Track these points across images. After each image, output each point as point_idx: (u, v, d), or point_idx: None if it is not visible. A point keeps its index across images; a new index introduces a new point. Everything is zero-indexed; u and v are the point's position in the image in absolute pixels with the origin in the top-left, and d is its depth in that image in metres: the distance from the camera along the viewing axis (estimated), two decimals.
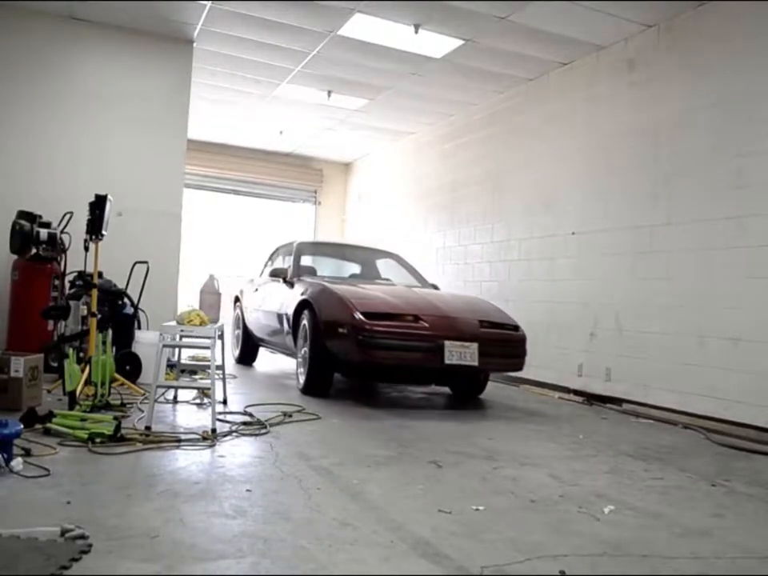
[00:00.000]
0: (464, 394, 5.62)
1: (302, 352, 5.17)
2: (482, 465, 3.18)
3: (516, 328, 5.14)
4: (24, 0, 5.71)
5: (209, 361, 3.87)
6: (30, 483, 2.44)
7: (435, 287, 6.31)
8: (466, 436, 3.89)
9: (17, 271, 5.37)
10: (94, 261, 4.52)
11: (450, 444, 3.63)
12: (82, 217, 4.54)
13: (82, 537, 1.89)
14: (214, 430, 3.44)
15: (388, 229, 9.64)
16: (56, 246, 5.30)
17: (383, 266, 6.76)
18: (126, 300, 5.42)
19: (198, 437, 3.37)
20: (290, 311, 5.40)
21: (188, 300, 5.62)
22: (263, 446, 3.32)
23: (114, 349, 4.62)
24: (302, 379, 5.15)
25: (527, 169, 6.82)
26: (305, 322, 5.11)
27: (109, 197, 4.48)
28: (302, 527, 2.15)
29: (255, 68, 6.95)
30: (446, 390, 5.83)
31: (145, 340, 5.13)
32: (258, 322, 6.51)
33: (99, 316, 4.60)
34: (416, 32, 5.71)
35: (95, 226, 4.38)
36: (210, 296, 4.54)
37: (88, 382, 4.16)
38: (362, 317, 4.57)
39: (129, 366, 4.90)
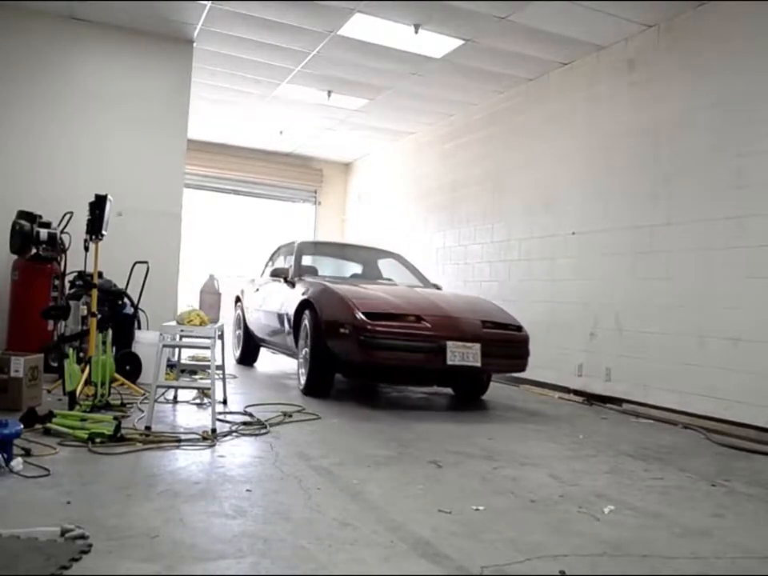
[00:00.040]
0: (466, 395, 5.60)
1: (303, 352, 5.14)
2: (482, 465, 3.18)
3: (519, 328, 5.11)
4: (24, 0, 5.71)
5: (209, 361, 3.87)
6: (30, 483, 2.44)
7: (437, 287, 6.29)
8: (465, 436, 3.89)
9: (17, 271, 5.37)
10: (94, 261, 4.52)
11: (450, 444, 3.63)
12: (82, 217, 4.54)
13: (82, 537, 1.89)
14: (213, 430, 3.44)
15: (388, 229, 9.64)
16: (56, 246, 5.30)
17: (385, 266, 6.74)
18: (125, 300, 5.42)
19: (197, 437, 3.37)
20: (291, 311, 5.38)
21: (188, 300, 5.62)
22: (263, 445, 3.32)
23: (114, 349, 4.62)
24: (302, 380, 5.13)
25: (527, 169, 6.82)
26: (306, 322, 5.09)
27: (109, 197, 4.48)
28: (302, 527, 2.15)
29: (255, 68, 6.95)
30: (448, 390, 5.81)
31: (145, 340, 5.13)
32: (258, 322, 6.49)
33: (99, 316, 4.60)
34: (416, 32, 5.71)
35: (95, 226, 4.38)
36: (210, 296, 4.54)
37: (88, 382, 4.16)
38: (363, 317, 4.54)
39: (129, 366, 4.90)
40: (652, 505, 2.67)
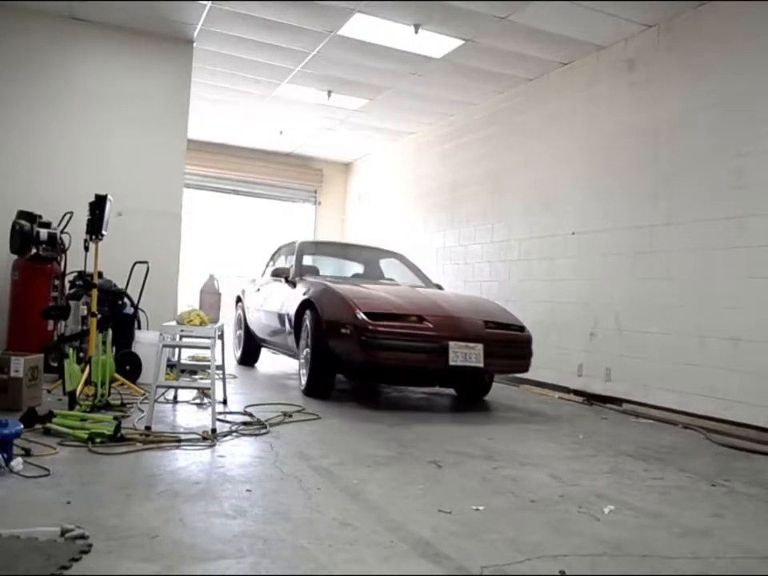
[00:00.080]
0: (468, 396, 5.57)
1: (304, 353, 5.12)
2: (482, 465, 3.18)
3: (522, 328, 5.08)
4: (24, 0, 5.71)
5: (209, 361, 3.87)
6: (30, 483, 2.44)
7: (439, 287, 6.26)
8: (466, 436, 3.89)
9: (17, 271, 5.37)
10: (94, 261, 4.52)
11: (450, 444, 3.63)
12: (82, 217, 4.54)
13: (82, 537, 1.89)
14: (214, 430, 3.44)
15: (388, 229, 9.64)
16: (56, 246, 5.30)
17: (387, 266, 6.72)
18: (125, 300, 5.42)
19: (198, 437, 3.37)
20: (292, 311, 5.36)
21: (188, 300, 5.62)
22: (263, 446, 3.32)
23: (114, 349, 4.62)
24: (303, 380, 5.10)
25: (527, 169, 6.82)
26: (307, 322, 5.06)
27: (109, 197, 4.48)
28: (302, 527, 2.15)
29: (255, 68, 6.95)
30: (448, 390, 5.80)
31: (145, 340, 5.13)
32: (259, 323, 6.47)
33: (99, 316, 4.60)
34: (416, 32, 5.71)
35: (95, 226, 4.38)
36: (210, 296, 4.54)
37: (88, 382, 4.16)
38: (364, 317, 4.51)
39: (129, 366, 4.90)
40: (652, 505, 2.67)
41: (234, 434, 3.53)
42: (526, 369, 5.09)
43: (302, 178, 11.02)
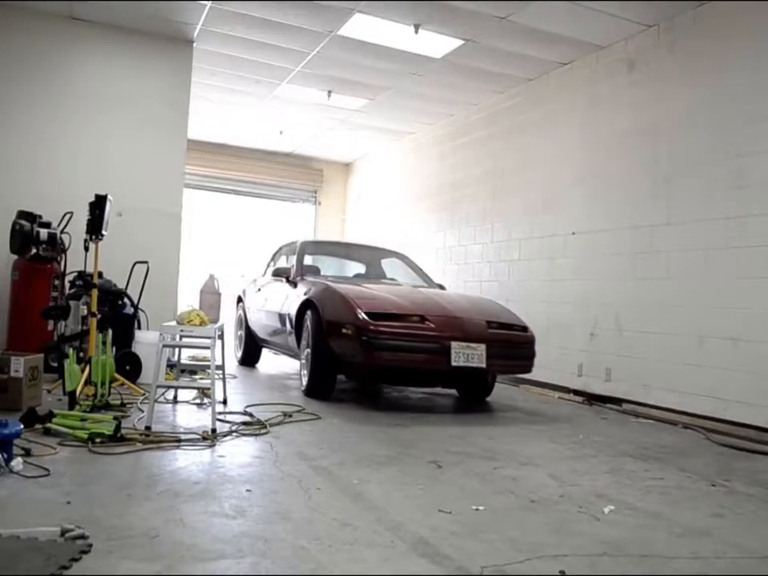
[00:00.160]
0: (471, 397, 5.54)
1: (305, 353, 5.09)
2: (482, 465, 3.18)
3: (525, 329, 5.04)
4: (24, 0, 5.71)
5: (209, 361, 3.87)
6: (29, 483, 2.44)
7: (441, 287, 6.23)
8: (466, 436, 3.89)
9: (17, 271, 5.37)
10: (94, 261, 4.52)
11: (450, 444, 3.63)
12: (82, 217, 4.54)
13: (82, 537, 1.89)
14: (214, 430, 3.44)
15: (388, 229, 9.64)
16: (56, 246, 5.30)
17: (388, 266, 6.69)
18: (126, 300, 5.42)
19: (198, 437, 3.37)
20: (293, 311, 5.33)
21: (188, 300, 5.61)
22: (263, 446, 3.32)
23: (114, 349, 4.62)
24: (304, 381, 5.07)
25: (527, 169, 6.82)
26: (308, 322, 5.04)
27: (109, 197, 4.48)
28: (302, 527, 2.15)
29: (255, 68, 6.95)
30: (449, 391, 5.78)
31: (145, 340, 5.13)
32: (260, 323, 6.44)
33: (99, 316, 4.60)
34: (416, 32, 5.71)
35: (95, 226, 4.38)
36: (210, 296, 4.54)
37: (88, 382, 4.16)
38: (366, 317, 4.47)
39: (129, 366, 4.90)
40: (652, 505, 2.67)
41: (234, 434, 3.53)
42: (529, 369, 5.06)
43: (302, 178, 11.02)
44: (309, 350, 4.99)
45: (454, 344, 4.47)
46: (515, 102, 7.09)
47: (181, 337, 3.85)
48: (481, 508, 2.47)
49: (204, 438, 3.35)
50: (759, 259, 4.40)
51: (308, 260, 6.30)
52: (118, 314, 5.31)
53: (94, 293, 4.52)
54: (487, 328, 4.75)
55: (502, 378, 6.58)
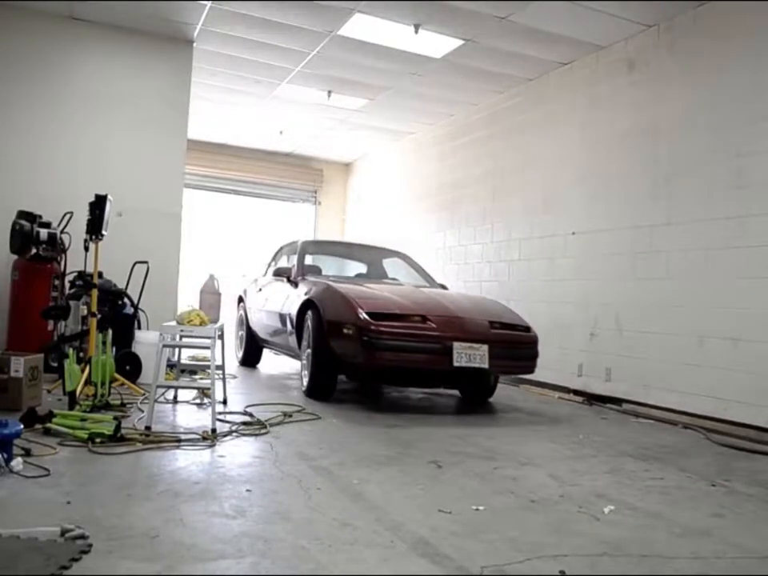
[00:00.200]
0: (473, 398, 5.50)
1: (306, 353, 5.05)
2: (482, 465, 3.18)
3: (527, 329, 4.99)
4: (24, 0, 5.71)
5: (209, 361, 3.87)
6: (29, 483, 2.44)
7: (443, 287, 6.20)
8: (466, 436, 3.89)
9: (17, 271, 5.37)
10: (94, 261, 4.52)
11: (450, 444, 3.63)
12: (82, 217, 4.54)
13: (82, 537, 1.89)
14: (214, 430, 3.44)
15: (388, 229, 9.64)
16: (56, 246, 5.30)
17: (390, 266, 6.66)
18: (126, 300, 5.42)
19: (198, 437, 3.37)
20: (294, 311, 5.30)
21: (188, 300, 5.61)
22: (263, 446, 3.32)
23: (114, 349, 4.62)
24: (305, 381, 5.03)
25: (527, 169, 6.82)
26: (309, 322, 5.00)
27: (109, 197, 4.48)
28: (302, 527, 2.15)
29: (255, 68, 6.95)
30: (449, 391, 5.77)
31: (145, 340, 5.13)
32: (261, 323, 6.41)
33: (99, 316, 4.60)
34: (416, 32, 5.71)
35: (95, 226, 4.38)
36: (210, 296, 4.54)
37: (88, 382, 4.16)
38: (367, 317, 4.43)
39: (129, 366, 4.90)
40: (652, 505, 2.67)
41: (234, 434, 3.53)
42: (531, 370, 5.01)
43: (302, 178, 11.02)
44: (309, 351, 4.96)
45: (456, 344, 4.43)
46: (515, 102, 7.09)
47: (181, 337, 3.85)
48: (481, 508, 2.47)
49: (204, 438, 3.35)
50: (759, 259, 4.40)
51: (309, 260, 6.27)
52: (118, 314, 5.31)
53: (94, 293, 4.52)
54: (490, 328, 4.71)
55: (502, 378, 6.57)
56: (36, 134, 5.89)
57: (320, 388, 4.90)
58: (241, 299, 7.29)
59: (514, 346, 4.84)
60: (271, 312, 6.06)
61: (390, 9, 5.40)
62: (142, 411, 3.89)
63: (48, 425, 3.25)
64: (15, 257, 5.37)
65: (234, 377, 5.92)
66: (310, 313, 5.02)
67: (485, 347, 4.50)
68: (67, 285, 5.33)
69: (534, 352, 4.95)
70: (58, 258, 5.41)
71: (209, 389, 3.71)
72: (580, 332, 5.92)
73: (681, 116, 5.10)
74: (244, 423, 3.77)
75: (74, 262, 5.13)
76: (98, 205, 4.40)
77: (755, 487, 3.07)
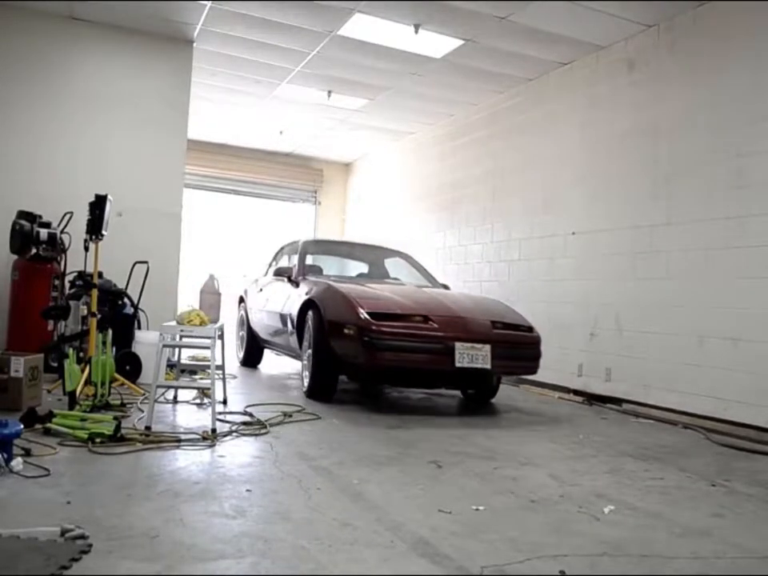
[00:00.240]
0: (475, 398, 5.46)
1: (307, 354, 5.01)
2: (482, 465, 3.18)
3: (530, 329, 4.95)
4: (24, 0, 5.71)
5: (209, 361, 3.87)
6: (29, 483, 2.44)
7: (446, 287, 6.17)
8: (466, 436, 3.89)
9: (17, 271, 5.37)
10: (94, 261, 4.52)
11: (450, 444, 3.63)
12: (82, 217, 4.54)
13: (82, 537, 1.89)
14: (214, 430, 3.44)
15: (388, 229, 9.64)
16: (56, 246, 5.30)
17: (392, 266, 6.63)
18: (126, 300, 5.42)
19: (198, 437, 3.37)
20: (295, 311, 5.26)
21: (188, 300, 5.61)
22: (263, 446, 3.32)
23: (114, 349, 4.62)
24: (306, 382, 5.00)
25: (527, 169, 6.82)
26: (309, 322, 4.97)
27: (109, 197, 4.48)
28: (302, 527, 2.15)
29: (255, 68, 6.95)
30: (449, 391, 5.75)
31: (145, 340, 5.12)
32: (262, 323, 6.38)
33: (99, 316, 4.60)
34: (416, 32, 5.71)
35: (95, 226, 4.38)
36: (210, 296, 4.54)
37: (88, 382, 4.16)
38: (368, 317, 4.39)
39: (129, 366, 4.90)
40: (652, 505, 2.67)
41: (234, 434, 3.53)
42: (534, 371, 4.97)
43: (302, 177, 11.02)
44: (310, 351, 4.93)
45: (458, 344, 4.39)
46: (515, 102, 7.09)
47: (181, 337, 3.85)
48: (481, 508, 2.47)
49: (204, 438, 3.35)
50: (759, 259, 4.40)
51: (310, 259, 6.24)
52: (118, 314, 5.31)
53: (94, 293, 4.52)
54: (492, 328, 4.68)
55: (503, 378, 6.57)
56: (36, 134, 5.89)
57: (321, 389, 4.87)
58: (242, 299, 7.26)
59: (517, 347, 4.80)
60: (272, 312, 6.03)
61: (389, 9, 5.40)
62: (142, 411, 3.89)
63: (48, 425, 3.25)
64: (15, 257, 5.37)
65: (234, 377, 5.91)
66: (310, 313, 4.99)
67: (487, 347, 4.47)
68: (67, 285, 5.34)
69: (537, 352, 4.91)
70: (58, 258, 5.41)
71: (209, 389, 3.71)
72: (580, 332, 5.92)
73: (681, 116, 5.10)
74: (244, 423, 3.77)
75: (74, 262, 5.13)
76: (98, 205, 4.40)
77: (755, 487, 3.07)
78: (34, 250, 5.24)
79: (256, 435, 3.54)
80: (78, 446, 3.05)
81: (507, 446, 3.68)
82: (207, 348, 3.80)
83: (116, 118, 6.16)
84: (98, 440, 3.08)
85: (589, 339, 5.84)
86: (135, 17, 5.94)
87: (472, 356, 4.41)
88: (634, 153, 5.52)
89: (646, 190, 5.36)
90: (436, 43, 6.00)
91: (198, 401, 4.53)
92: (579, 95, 6.19)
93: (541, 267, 6.52)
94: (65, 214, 5.39)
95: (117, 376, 4.47)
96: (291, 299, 5.52)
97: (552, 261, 6.38)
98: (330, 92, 7.54)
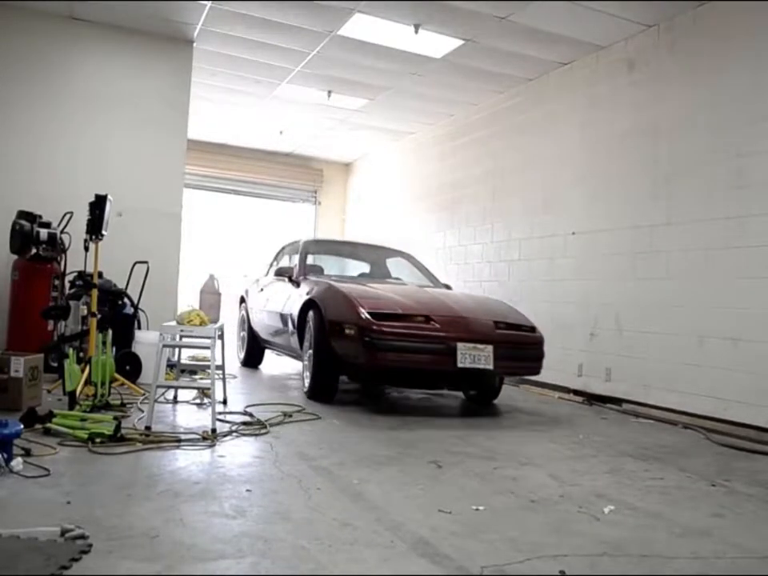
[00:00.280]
0: (478, 400, 5.43)
1: (308, 354, 4.98)
2: (482, 465, 3.18)
3: (533, 329, 4.91)
4: (24, 0, 5.71)
5: (209, 361, 3.87)
6: (29, 483, 2.44)
7: (448, 287, 6.14)
8: (466, 436, 3.89)
9: (17, 271, 5.37)
10: (94, 261, 4.52)
11: (450, 444, 3.63)
12: (82, 217, 4.54)
13: (82, 537, 1.89)
14: (214, 430, 3.44)
15: (388, 229, 9.63)
16: (56, 246, 5.30)
17: (394, 265, 6.61)
18: (126, 300, 5.42)
19: (198, 437, 3.37)
20: (296, 311, 5.23)
21: (188, 300, 5.60)
22: (263, 446, 3.32)
23: (114, 349, 4.62)
24: (307, 383, 4.97)
25: (527, 169, 6.82)
26: (310, 322, 4.94)
27: (109, 197, 4.48)
28: (302, 527, 2.15)
29: (255, 68, 6.95)
30: (449, 392, 5.75)
31: (145, 340, 5.12)
32: (262, 323, 6.35)
33: (99, 316, 4.60)
34: (416, 32, 5.71)
35: (95, 226, 4.38)
36: (210, 296, 4.53)
37: (88, 382, 4.16)
38: (369, 317, 4.36)
39: (129, 366, 4.90)
40: (652, 505, 2.67)
41: (234, 434, 3.53)
42: (537, 371, 4.94)
43: (302, 177, 11.02)
44: (311, 351, 4.90)
45: (460, 345, 4.35)
46: (515, 102, 7.09)
47: (181, 337, 3.85)
48: (481, 508, 2.47)
49: (204, 438, 3.35)
50: (759, 259, 4.40)
51: (311, 259, 6.21)
52: (118, 314, 5.31)
53: (94, 293, 4.53)
54: (494, 328, 4.64)
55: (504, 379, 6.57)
56: (36, 134, 5.89)
57: (322, 389, 4.84)
58: (243, 299, 7.24)
59: (520, 347, 4.76)
60: (272, 312, 6.01)
61: (389, 9, 5.40)
62: (142, 411, 3.89)
63: (48, 425, 3.25)
64: (15, 257, 5.37)
65: (234, 377, 5.91)
66: (311, 313, 4.96)
67: (489, 348, 4.44)
68: (67, 285, 5.34)
69: (540, 353, 4.88)
70: (58, 258, 5.41)
71: (209, 389, 3.71)
72: (580, 332, 5.92)
73: (681, 116, 5.10)
74: (244, 423, 3.77)
75: (74, 262, 5.13)
76: (98, 205, 4.40)
77: (755, 487, 3.07)
78: (33, 250, 5.24)
79: (256, 435, 3.54)
80: (78, 446, 3.05)
81: (507, 445, 3.68)
82: (207, 348, 3.80)
83: (116, 118, 6.16)
84: (97, 440, 3.08)
85: (589, 339, 5.83)
86: (135, 17, 5.94)
87: (474, 356, 4.38)
88: (634, 153, 5.52)
89: (646, 190, 5.36)
90: (436, 43, 6.00)
91: (198, 401, 4.53)
92: (579, 95, 6.19)
93: (541, 267, 6.52)
94: (65, 214, 5.39)
95: (117, 376, 4.47)
96: (292, 299, 5.49)
97: (552, 261, 6.38)
98: (330, 92, 7.54)
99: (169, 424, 3.73)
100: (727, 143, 4.69)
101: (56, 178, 5.89)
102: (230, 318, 5.98)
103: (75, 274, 5.15)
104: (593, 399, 5.62)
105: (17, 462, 2.57)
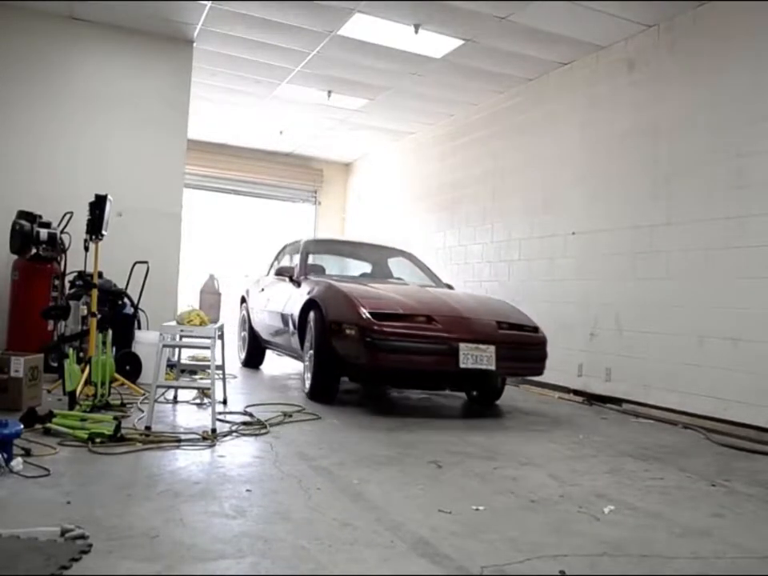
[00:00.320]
0: (480, 400, 5.40)
1: (308, 354, 4.96)
2: (481, 465, 3.18)
3: (536, 329, 4.88)
4: (24, 0, 5.71)
5: (209, 361, 3.87)
6: (29, 483, 2.44)
7: (450, 287, 6.11)
8: (466, 436, 3.88)
9: (17, 271, 5.37)
10: (94, 261, 4.52)
11: (450, 444, 3.62)
12: (82, 217, 4.54)
13: (82, 537, 1.89)
14: (214, 430, 3.44)
15: (388, 229, 9.63)
16: (56, 246, 5.30)
17: (395, 265, 6.58)
18: (126, 300, 5.42)
19: (198, 437, 3.37)
20: (296, 311, 5.20)
21: (188, 300, 5.60)
22: (263, 446, 3.32)
23: (114, 349, 4.62)
24: (308, 383, 4.94)
25: (527, 169, 6.82)
26: (311, 322, 4.91)
27: (109, 197, 4.48)
28: (302, 527, 2.15)
29: (255, 68, 6.95)
30: (450, 392, 5.74)
31: (145, 340, 5.12)
32: (263, 323, 6.33)
33: (99, 316, 4.60)
34: (416, 32, 5.71)
35: (95, 226, 4.38)
36: (210, 296, 4.53)
37: (88, 382, 4.16)
38: (370, 317, 4.33)
39: (129, 366, 4.90)
40: (652, 505, 2.67)
41: (234, 434, 3.53)
42: (540, 372, 4.91)
43: (302, 177, 11.03)
44: (312, 351, 4.87)
45: (462, 345, 4.32)
46: (515, 102, 7.09)
47: (181, 337, 3.85)
48: (481, 508, 2.47)
49: (204, 438, 3.35)
50: (759, 259, 4.40)
51: (312, 259, 6.19)
52: (118, 314, 5.31)
53: (94, 293, 4.52)
54: (497, 329, 4.61)
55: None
56: (36, 134, 5.89)
57: (322, 389, 4.81)
58: (243, 299, 7.22)
59: (522, 347, 4.73)
60: (273, 312, 5.99)
61: (389, 9, 5.40)
62: (142, 411, 3.89)
63: (48, 425, 3.25)
64: (15, 257, 5.37)
65: (235, 377, 5.91)
66: (312, 313, 4.93)
67: (492, 348, 4.40)
68: (67, 285, 5.33)
69: (543, 353, 4.83)
70: (58, 258, 5.41)
71: (209, 389, 3.71)
72: (580, 332, 5.92)
73: (681, 116, 5.10)
74: (244, 423, 3.77)
75: (74, 262, 5.13)
76: (98, 205, 4.40)
77: (755, 487, 3.07)
78: (33, 250, 5.24)
79: (256, 435, 3.54)
80: (78, 446, 3.05)
81: (507, 446, 3.68)
82: (207, 348, 3.80)
83: (116, 118, 6.16)
84: (97, 440, 3.08)
85: (589, 339, 5.83)
86: (135, 17, 5.94)
87: (476, 357, 4.35)
88: (634, 153, 5.52)
89: (646, 190, 5.36)
90: (436, 43, 6.00)
91: (198, 401, 4.53)
92: (579, 95, 6.19)
93: (541, 267, 6.52)
94: (65, 214, 5.39)
95: (117, 376, 4.47)
96: (293, 299, 5.47)
97: (552, 261, 6.38)
98: (330, 92, 7.54)
99: (169, 424, 3.73)
100: (727, 143, 4.69)
101: (56, 178, 5.89)
102: (230, 318, 5.97)
103: (75, 274, 5.15)
104: (593, 399, 5.62)
105: (17, 462, 2.57)
